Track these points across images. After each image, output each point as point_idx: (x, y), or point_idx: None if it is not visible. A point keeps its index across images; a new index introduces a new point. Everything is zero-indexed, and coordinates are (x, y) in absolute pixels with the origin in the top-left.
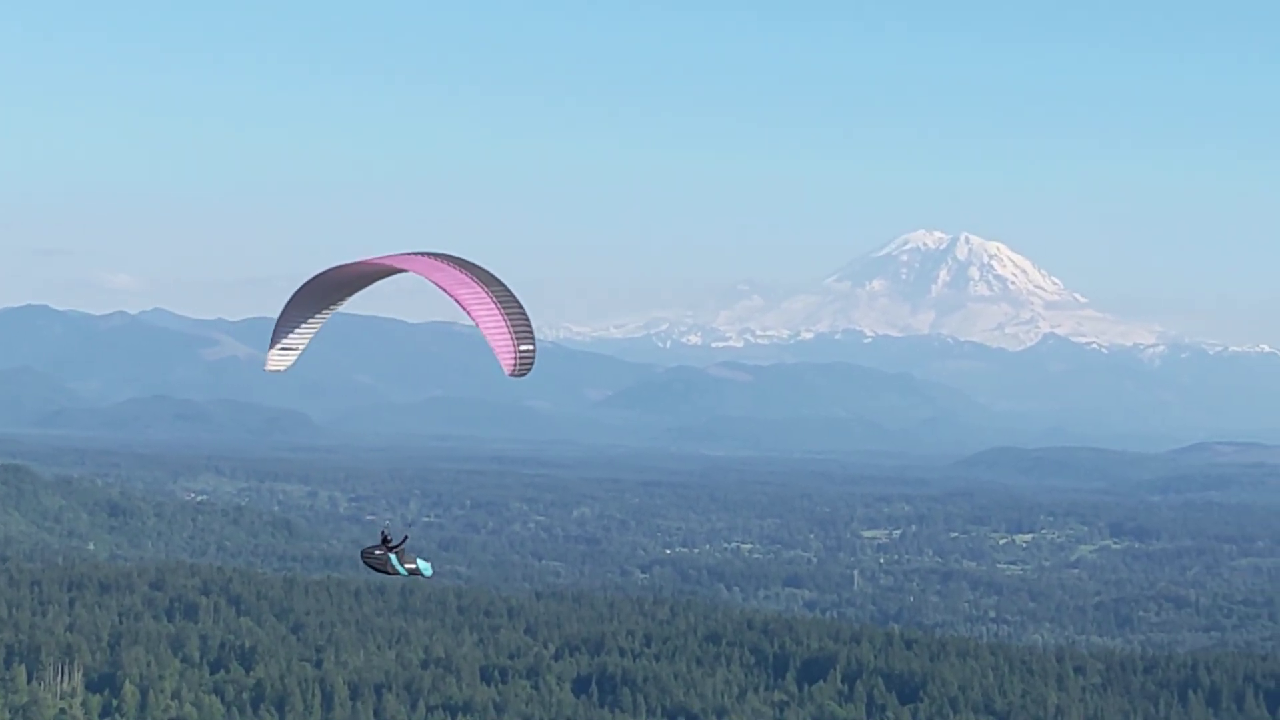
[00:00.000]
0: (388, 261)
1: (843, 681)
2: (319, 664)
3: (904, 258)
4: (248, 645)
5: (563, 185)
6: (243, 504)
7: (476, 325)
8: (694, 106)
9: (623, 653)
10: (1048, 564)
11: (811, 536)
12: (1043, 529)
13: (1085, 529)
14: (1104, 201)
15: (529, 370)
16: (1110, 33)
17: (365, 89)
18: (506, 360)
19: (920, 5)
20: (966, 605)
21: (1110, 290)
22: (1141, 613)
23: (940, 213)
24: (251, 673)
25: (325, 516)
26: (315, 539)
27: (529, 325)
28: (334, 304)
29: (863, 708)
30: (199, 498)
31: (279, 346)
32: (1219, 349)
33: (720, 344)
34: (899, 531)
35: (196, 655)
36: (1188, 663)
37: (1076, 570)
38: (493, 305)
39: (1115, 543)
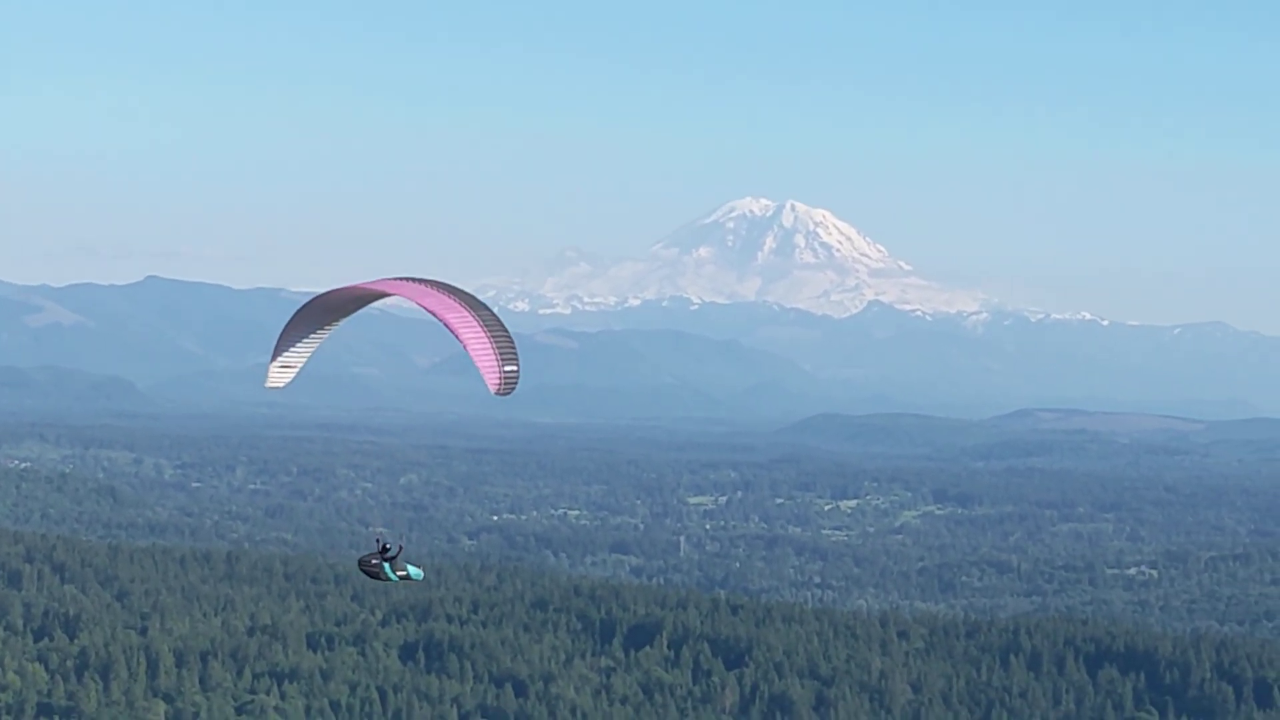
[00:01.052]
0: (379, 287)
1: (669, 647)
2: (144, 631)
3: (730, 225)
4: (72, 613)
5: (387, 149)
6: (67, 471)
7: (464, 347)
8: (520, 71)
9: (450, 619)
10: (872, 530)
11: (638, 503)
12: (867, 495)
13: (909, 495)
14: (928, 170)
15: (514, 389)
16: None
17: (186, 51)
18: (492, 380)
19: None
20: (792, 571)
21: (934, 258)
22: (964, 578)
23: (766, 180)
24: (76, 640)
25: (150, 483)
26: (140, 506)
27: (514, 347)
28: (329, 325)
29: (689, 673)
30: (22, 465)
31: (278, 364)
32: (1041, 316)
33: (547, 311)
34: (725, 498)
35: (20, 623)
36: (1010, 627)
37: (900, 536)
38: (479, 328)
39: (939, 509)
